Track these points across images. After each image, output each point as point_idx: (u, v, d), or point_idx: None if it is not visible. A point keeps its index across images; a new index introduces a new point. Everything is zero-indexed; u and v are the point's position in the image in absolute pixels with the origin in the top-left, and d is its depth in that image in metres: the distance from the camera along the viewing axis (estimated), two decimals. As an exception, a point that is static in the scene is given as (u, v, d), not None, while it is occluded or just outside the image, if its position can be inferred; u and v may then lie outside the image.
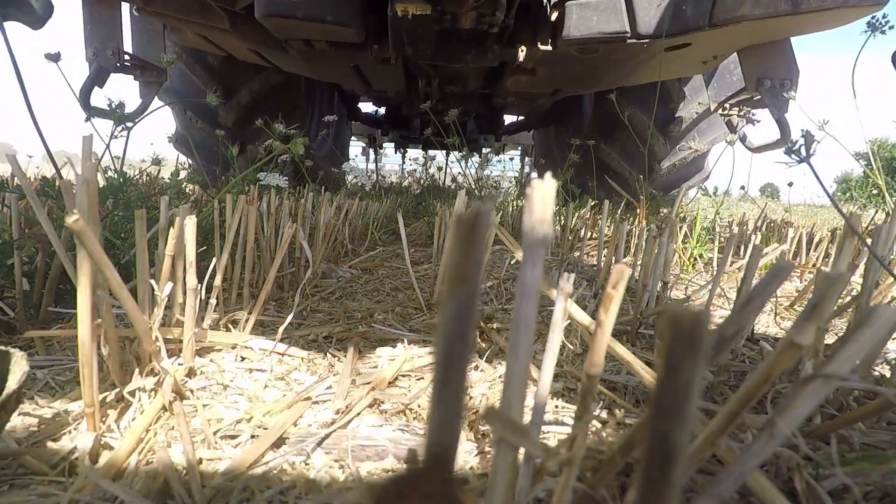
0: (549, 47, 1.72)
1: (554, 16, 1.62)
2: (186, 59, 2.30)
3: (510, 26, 1.73)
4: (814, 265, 1.41)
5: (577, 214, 1.93)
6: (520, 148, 5.74)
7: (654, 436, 0.13)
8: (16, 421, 0.49)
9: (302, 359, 0.69)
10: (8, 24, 1.04)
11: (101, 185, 0.94)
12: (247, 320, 0.78)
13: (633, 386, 0.62)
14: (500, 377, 0.64)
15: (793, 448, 0.37)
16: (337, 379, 0.62)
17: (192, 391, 0.57)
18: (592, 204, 2.30)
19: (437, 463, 0.15)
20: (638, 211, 1.79)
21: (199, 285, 0.64)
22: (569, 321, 0.70)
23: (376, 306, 0.96)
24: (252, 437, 0.49)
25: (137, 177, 1.77)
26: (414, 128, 4.13)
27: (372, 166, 5.01)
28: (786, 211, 2.66)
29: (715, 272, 0.87)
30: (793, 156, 0.62)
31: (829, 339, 0.80)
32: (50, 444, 0.46)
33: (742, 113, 1.78)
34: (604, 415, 0.54)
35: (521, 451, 0.26)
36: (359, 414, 0.54)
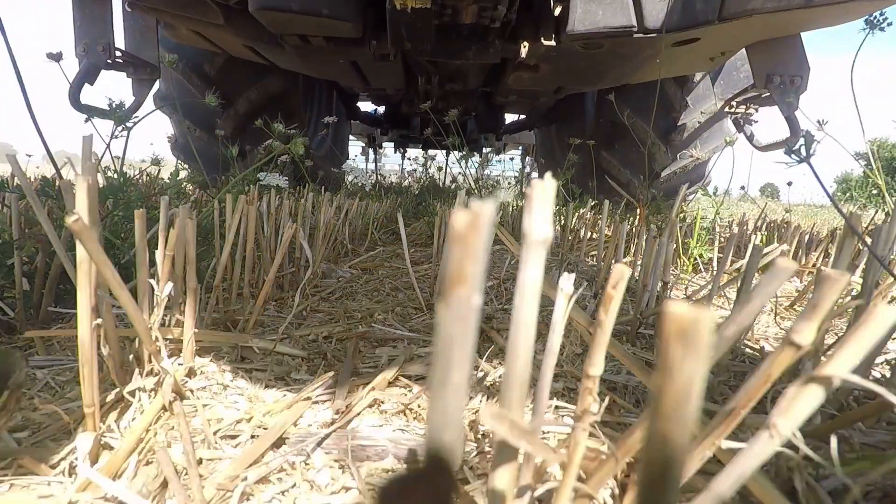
0: (552, 42, 1.67)
1: (557, 10, 1.58)
2: (183, 68, 2.28)
3: (512, 21, 1.68)
4: (814, 265, 1.41)
5: (576, 214, 1.93)
6: (520, 147, 5.73)
7: (654, 436, 0.13)
8: (16, 421, 0.49)
9: (302, 359, 0.69)
10: (7, 24, 1.03)
11: (101, 185, 0.94)
12: (247, 320, 0.78)
13: (633, 386, 0.62)
14: (499, 377, 0.64)
15: (793, 448, 0.37)
16: (337, 379, 0.62)
17: (192, 391, 0.57)
18: (592, 204, 2.30)
19: (437, 463, 0.15)
20: (638, 211, 1.79)
21: (199, 285, 0.64)
22: (569, 321, 0.70)
23: (376, 306, 0.96)
24: (252, 437, 0.49)
25: (137, 177, 1.77)
26: (413, 127, 4.11)
27: (371, 166, 5.01)
28: (786, 211, 2.66)
29: (715, 272, 0.87)
30: (793, 156, 0.63)
31: (830, 339, 0.80)
32: (50, 444, 0.46)
33: (744, 113, 1.77)
34: (604, 415, 0.54)
35: (521, 451, 0.26)
36: (359, 414, 0.54)
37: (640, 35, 1.50)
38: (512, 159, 6.20)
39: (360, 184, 3.98)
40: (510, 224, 1.97)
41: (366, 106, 4.12)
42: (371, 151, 4.87)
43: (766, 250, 0.97)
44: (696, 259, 1.38)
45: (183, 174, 1.87)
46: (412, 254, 1.54)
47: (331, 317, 0.89)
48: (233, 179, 1.24)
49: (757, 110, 1.82)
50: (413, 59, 2.10)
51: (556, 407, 0.57)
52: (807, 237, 1.56)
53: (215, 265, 0.80)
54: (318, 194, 1.59)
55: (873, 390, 0.26)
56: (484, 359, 0.70)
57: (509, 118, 4.13)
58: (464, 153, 2.25)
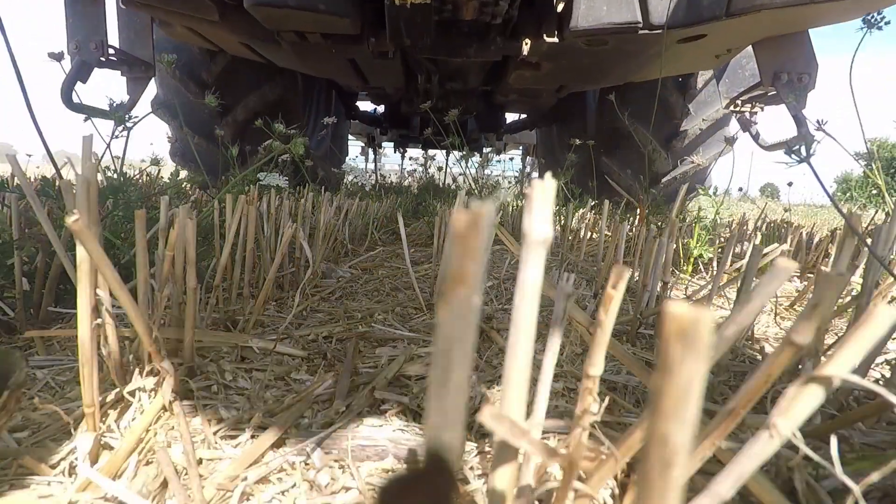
0: (555, 39, 1.63)
1: (560, 6, 1.55)
2: (180, 75, 2.26)
3: (514, 17, 1.65)
4: (814, 265, 1.41)
5: (576, 214, 1.93)
6: (521, 147, 5.73)
7: (654, 436, 0.13)
8: (16, 421, 0.49)
9: (302, 359, 0.69)
10: (7, 24, 1.03)
11: (101, 185, 0.94)
12: (247, 320, 0.78)
13: (633, 386, 0.62)
14: (499, 377, 0.64)
15: (793, 448, 0.37)
16: (337, 379, 0.62)
17: (192, 391, 0.57)
18: (593, 204, 2.30)
19: (437, 463, 0.15)
20: (638, 211, 1.79)
21: (199, 285, 0.64)
22: (569, 321, 0.70)
23: (376, 306, 0.96)
24: (252, 437, 0.49)
25: (137, 177, 1.77)
26: (413, 127, 4.09)
27: (371, 166, 5.01)
28: (786, 211, 2.66)
29: (715, 272, 0.87)
30: (793, 156, 0.63)
31: (830, 339, 0.80)
32: (50, 444, 0.46)
33: (750, 111, 1.75)
34: (604, 415, 0.54)
35: (521, 451, 0.26)
36: (359, 414, 0.54)
37: (646, 31, 1.47)
38: (511, 159, 6.20)
39: (360, 184, 3.98)
40: (510, 224, 1.97)
41: (365, 106, 4.12)
42: (371, 151, 4.87)
43: (766, 250, 0.97)
44: (696, 259, 1.38)
45: (183, 174, 1.87)
46: (412, 254, 1.54)
47: (331, 317, 0.89)
48: (233, 180, 1.24)
49: (763, 109, 1.80)
50: (412, 56, 2.06)
51: (556, 407, 0.57)
52: (805, 235, 1.56)
53: (215, 265, 0.80)
54: (318, 194, 1.59)
55: (873, 390, 0.26)
56: (484, 359, 0.70)
57: (510, 118, 4.12)
58: (464, 153, 2.24)
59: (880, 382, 0.63)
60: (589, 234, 1.75)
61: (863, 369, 0.53)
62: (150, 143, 2.66)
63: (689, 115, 2.45)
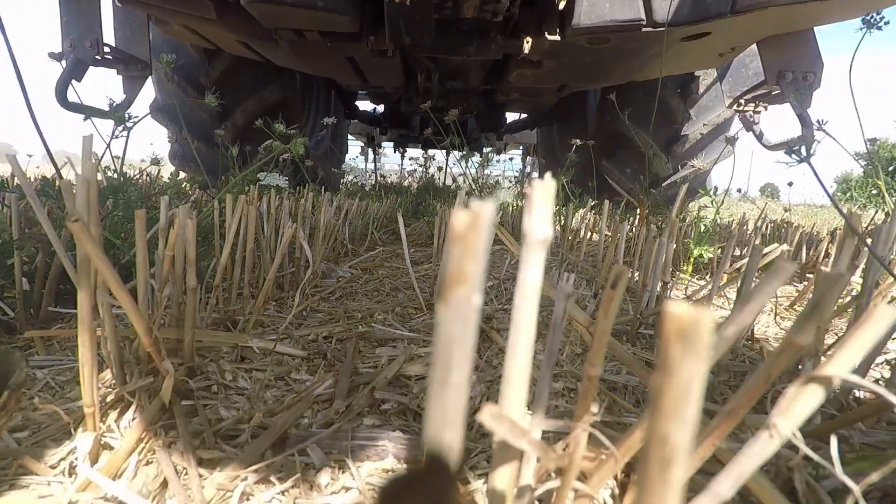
0: (556, 37, 1.61)
1: (562, 3, 1.52)
2: (179, 80, 2.25)
3: (515, 15, 1.63)
4: (814, 265, 1.41)
5: (576, 214, 1.93)
6: (521, 147, 5.72)
7: (654, 436, 0.13)
8: (16, 421, 0.49)
9: (302, 359, 0.69)
10: (7, 24, 1.03)
11: (101, 185, 0.94)
12: (247, 320, 0.78)
13: (633, 386, 0.62)
14: (499, 377, 0.64)
15: (793, 448, 0.37)
16: (337, 379, 0.62)
17: (192, 391, 0.57)
18: (593, 204, 2.30)
19: (437, 463, 0.15)
20: (638, 211, 1.79)
21: (199, 285, 0.64)
22: (569, 321, 0.70)
23: (376, 306, 0.96)
24: (252, 437, 0.49)
25: (137, 177, 1.77)
26: (413, 126, 4.08)
27: (371, 166, 5.01)
28: (786, 211, 2.66)
29: (715, 272, 0.87)
30: (793, 156, 0.63)
31: (830, 339, 0.80)
32: (50, 444, 0.46)
33: (753, 111, 1.73)
34: (604, 415, 0.54)
35: (521, 451, 0.26)
36: (359, 414, 0.54)
37: (649, 29, 1.44)
38: (511, 159, 6.20)
39: (359, 184, 3.98)
40: (510, 224, 1.97)
41: (365, 105, 4.11)
42: (370, 151, 4.87)
43: (766, 250, 0.97)
44: (696, 259, 1.38)
45: (183, 175, 1.86)
46: (412, 254, 1.54)
47: (331, 317, 0.89)
48: (233, 180, 1.24)
49: (766, 108, 1.79)
50: (412, 55, 2.04)
51: (556, 407, 0.57)
52: (804, 235, 1.56)
53: (215, 265, 0.80)
54: (318, 194, 1.59)
55: (873, 390, 0.26)
56: (484, 359, 0.70)
57: (510, 117, 4.12)
58: (464, 153, 2.24)
59: (880, 382, 0.63)
60: (589, 234, 1.75)
61: (863, 369, 0.53)
62: (150, 143, 2.66)
63: (691, 120, 2.45)
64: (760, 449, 0.25)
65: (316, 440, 0.48)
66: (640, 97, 2.26)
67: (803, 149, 0.66)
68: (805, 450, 0.25)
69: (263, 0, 1.37)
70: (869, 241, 0.59)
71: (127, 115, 1.11)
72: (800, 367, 0.56)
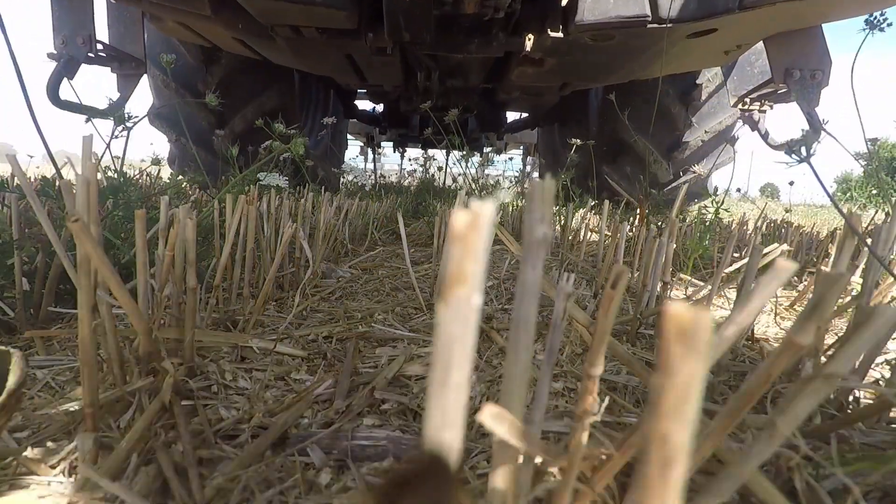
0: (559, 34, 1.57)
1: None
2: (177, 87, 2.25)
3: (517, 11, 1.59)
4: (814, 265, 1.41)
5: (576, 214, 1.93)
6: (521, 147, 5.72)
7: (653, 436, 0.13)
8: (16, 421, 0.49)
9: (302, 359, 0.69)
10: (7, 24, 1.03)
11: (101, 185, 0.94)
12: (247, 320, 0.78)
13: (633, 386, 0.62)
14: (499, 377, 0.64)
15: (793, 448, 0.37)
16: (337, 379, 0.62)
17: (192, 391, 0.57)
18: (593, 204, 2.30)
19: (437, 463, 0.15)
20: (638, 211, 1.79)
21: (199, 285, 0.64)
22: (569, 321, 0.70)
23: (376, 306, 0.96)
24: (252, 437, 0.49)
25: (137, 177, 1.77)
26: (413, 126, 4.07)
27: (370, 166, 5.00)
28: (786, 211, 2.66)
29: (715, 272, 0.87)
30: (793, 155, 0.63)
31: (830, 339, 0.80)
32: (50, 444, 0.46)
33: (759, 110, 1.71)
34: (604, 415, 0.54)
35: (521, 451, 0.26)
36: (359, 414, 0.54)
37: (655, 25, 1.41)
38: (511, 159, 6.20)
39: (359, 184, 3.97)
40: (510, 224, 1.97)
41: (364, 105, 4.10)
42: (370, 151, 4.86)
43: (766, 250, 0.97)
44: (696, 259, 1.38)
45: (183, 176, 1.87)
46: (412, 254, 1.54)
47: (331, 317, 0.89)
48: (232, 180, 1.24)
49: (772, 107, 1.77)
50: (412, 52, 2.02)
51: (556, 407, 0.57)
52: (803, 235, 1.56)
53: (215, 265, 0.80)
54: (318, 194, 1.59)
55: (873, 390, 0.26)
56: (484, 359, 0.70)
57: (510, 117, 4.11)
58: (464, 153, 2.23)
59: (880, 382, 0.63)
60: (589, 234, 1.75)
61: (863, 369, 0.53)
62: (150, 143, 2.66)
63: (692, 127, 2.45)
64: (760, 449, 0.25)
65: (316, 440, 0.48)
66: (643, 107, 2.26)
67: (803, 149, 0.67)
68: (805, 450, 0.25)
69: None
70: (869, 241, 0.59)
71: (127, 115, 1.11)
72: (800, 367, 0.56)
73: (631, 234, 1.39)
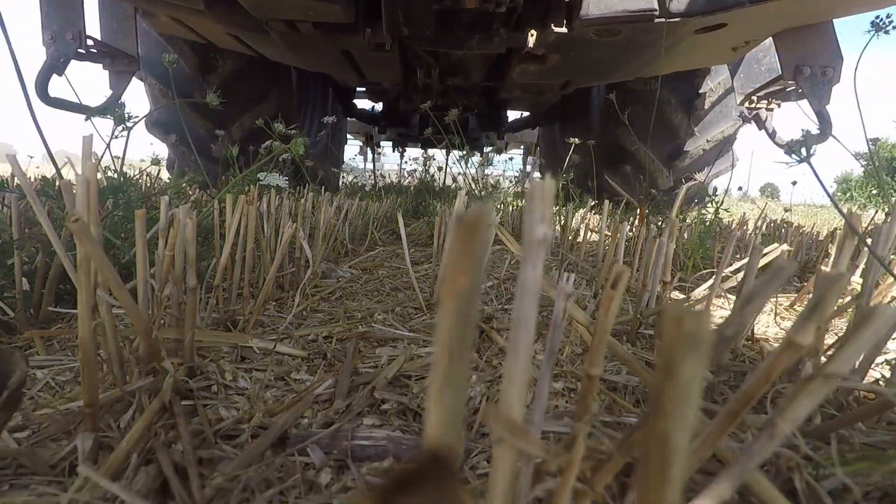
0: (563, 29, 1.51)
1: None
2: (174, 95, 2.27)
3: (519, 6, 1.54)
4: (814, 265, 1.41)
5: (576, 214, 1.93)
6: (522, 146, 5.72)
7: (654, 436, 0.13)
8: (16, 421, 0.49)
9: (302, 359, 0.69)
10: (7, 24, 1.03)
11: (101, 185, 0.94)
12: (247, 320, 0.78)
13: (633, 386, 0.62)
14: (499, 377, 0.64)
15: (793, 448, 0.37)
16: (337, 379, 0.62)
17: (192, 391, 0.57)
18: (593, 204, 2.30)
19: (437, 463, 0.15)
20: (638, 211, 1.78)
21: (199, 285, 0.64)
22: (569, 321, 0.70)
23: (376, 306, 0.96)
24: (252, 437, 0.49)
25: (137, 177, 1.77)
26: (412, 125, 4.05)
27: (370, 166, 5.00)
28: (786, 211, 2.66)
29: (715, 272, 0.87)
30: (793, 156, 0.63)
31: (830, 339, 0.80)
32: (50, 444, 0.46)
33: (766, 108, 1.69)
34: (604, 415, 0.54)
35: (521, 451, 0.26)
36: (359, 414, 0.54)
37: (662, 20, 1.36)
38: (511, 159, 6.19)
39: (359, 184, 3.97)
40: (510, 224, 1.97)
41: (364, 104, 4.09)
42: (369, 151, 4.85)
43: (766, 250, 0.97)
44: (696, 259, 1.38)
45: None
46: (412, 254, 1.54)
47: (331, 317, 0.89)
48: (232, 180, 1.24)
49: (779, 105, 1.75)
50: (411, 49, 1.97)
51: (556, 407, 0.57)
52: (803, 235, 1.56)
53: (215, 265, 0.80)
54: (317, 194, 1.59)
55: (873, 390, 0.26)
56: (484, 359, 0.70)
57: (511, 116, 4.10)
58: (464, 153, 2.22)
59: (880, 382, 0.63)
60: (589, 234, 1.75)
61: (863, 369, 0.53)
62: (150, 143, 2.66)
63: (694, 136, 2.44)
64: (760, 449, 0.25)
65: (316, 440, 0.48)
66: (644, 115, 2.26)
67: (804, 149, 0.66)
68: (805, 450, 0.25)
69: None
70: (869, 241, 0.59)
71: (127, 115, 1.11)
72: (800, 367, 0.56)
73: (631, 234, 1.39)
